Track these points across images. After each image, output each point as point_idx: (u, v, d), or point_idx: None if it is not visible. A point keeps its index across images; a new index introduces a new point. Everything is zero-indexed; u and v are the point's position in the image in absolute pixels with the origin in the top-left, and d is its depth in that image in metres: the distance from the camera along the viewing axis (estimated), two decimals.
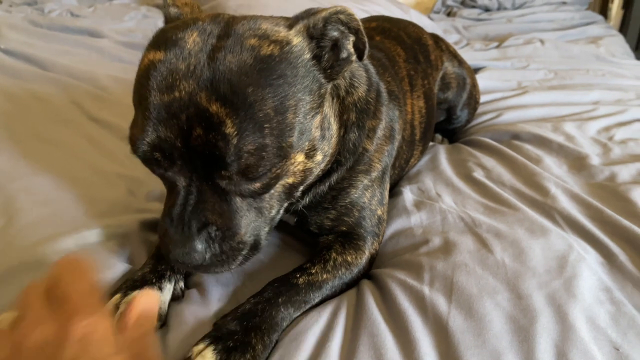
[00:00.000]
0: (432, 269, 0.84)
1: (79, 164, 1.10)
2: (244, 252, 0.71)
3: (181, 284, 0.81)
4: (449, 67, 1.40)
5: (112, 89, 1.57)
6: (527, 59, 2.19)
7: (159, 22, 2.53)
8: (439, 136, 1.54)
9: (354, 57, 0.73)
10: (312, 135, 0.71)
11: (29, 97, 1.49)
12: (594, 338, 0.70)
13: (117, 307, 0.73)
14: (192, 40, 0.65)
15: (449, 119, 1.47)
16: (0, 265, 0.79)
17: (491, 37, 2.63)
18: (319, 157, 0.74)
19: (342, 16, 0.70)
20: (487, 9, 3.06)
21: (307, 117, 0.69)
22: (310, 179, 0.77)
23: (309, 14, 0.71)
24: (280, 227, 1.00)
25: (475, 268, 0.83)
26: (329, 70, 0.72)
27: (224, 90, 0.61)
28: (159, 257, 0.82)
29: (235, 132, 0.61)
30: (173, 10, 0.80)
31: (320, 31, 0.70)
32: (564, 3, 3.03)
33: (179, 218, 0.66)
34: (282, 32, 0.68)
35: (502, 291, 0.78)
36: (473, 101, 1.48)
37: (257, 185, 0.68)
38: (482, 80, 1.75)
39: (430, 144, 1.42)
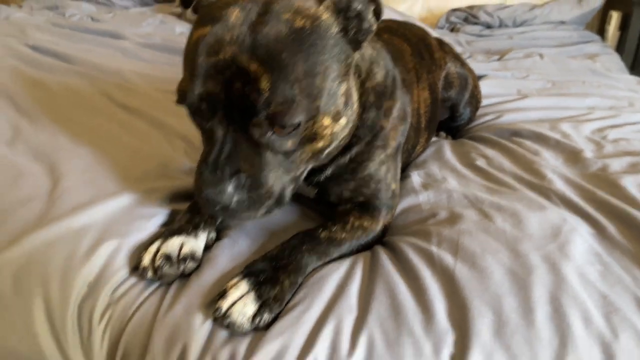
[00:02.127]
0: (439, 234, 0.93)
1: (112, 142, 1.19)
2: (269, 203, 0.79)
3: (213, 235, 0.91)
4: (451, 67, 1.50)
5: (138, 82, 1.67)
6: (527, 71, 2.29)
7: (176, 27, 2.63)
8: (443, 133, 1.63)
9: (374, 27, 0.83)
10: (338, 100, 0.80)
11: (59, 87, 1.58)
12: (585, 288, 0.79)
13: (156, 252, 0.83)
14: (234, 15, 0.75)
15: (452, 116, 1.57)
16: (49, 222, 0.88)
17: (493, 51, 2.75)
18: (343, 121, 0.83)
19: None
20: (489, 26, 3.19)
21: (334, 84, 0.78)
22: (335, 144, 0.86)
23: None
24: (300, 200, 1.09)
25: (479, 234, 0.92)
26: (353, 43, 0.81)
27: (261, 54, 0.71)
28: (193, 210, 0.91)
29: (268, 87, 0.71)
30: None
31: (346, 4, 0.79)
32: (563, 22, 3.16)
33: (213, 163, 0.75)
34: (312, 8, 0.78)
35: (502, 251, 0.86)
36: (475, 100, 1.58)
37: (289, 143, 0.77)
38: (483, 86, 1.84)
39: (435, 139, 1.52)
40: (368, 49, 0.94)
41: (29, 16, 2.72)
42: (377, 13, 0.82)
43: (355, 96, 0.88)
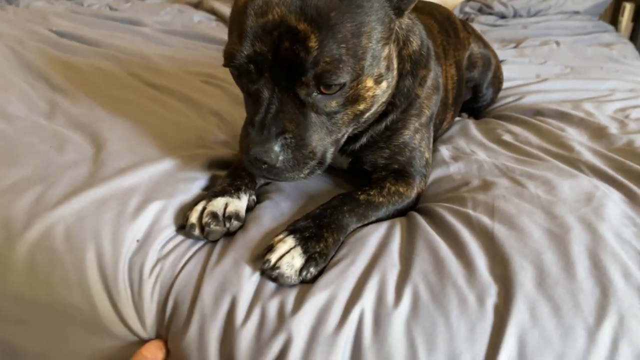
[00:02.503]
0: (474, 199, 0.95)
1: (148, 115, 1.21)
2: (312, 163, 0.82)
3: (254, 197, 0.93)
4: (474, 47, 1.52)
5: (164, 64, 1.69)
6: (544, 57, 2.31)
7: (194, 16, 2.64)
8: (465, 114, 1.65)
9: None
10: (381, 63, 0.82)
11: (87, 67, 1.61)
12: (621, 246, 0.81)
13: (202, 211, 0.85)
14: None
15: (475, 97, 1.58)
16: (97, 183, 0.90)
17: (508, 40, 2.76)
18: (384, 85, 0.85)
19: None
20: (503, 16, 3.19)
21: (379, 46, 0.80)
22: (375, 107, 0.88)
23: None
24: (333, 172, 1.11)
25: (513, 198, 0.94)
26: (397, 10, 0.84)
27: (310, 13, 0.73)
28: (234, 175, 0.94)
29: (317, 46, 0.73)
30: None
31: None
32: (577, 13, 3.17)
33: (260, 123, 0.78)
34: None
35: (538, 213, 0.88)
36: (497, 81, 1.60)
37: (334, 103, 0.79)
38: (503, 71, 1.86)
39: (457, 118, 1.54)
40: (405, 18, 0.96)
41: (50, 5, 2.75)
42: None
43: (395, 62, 0.90)
